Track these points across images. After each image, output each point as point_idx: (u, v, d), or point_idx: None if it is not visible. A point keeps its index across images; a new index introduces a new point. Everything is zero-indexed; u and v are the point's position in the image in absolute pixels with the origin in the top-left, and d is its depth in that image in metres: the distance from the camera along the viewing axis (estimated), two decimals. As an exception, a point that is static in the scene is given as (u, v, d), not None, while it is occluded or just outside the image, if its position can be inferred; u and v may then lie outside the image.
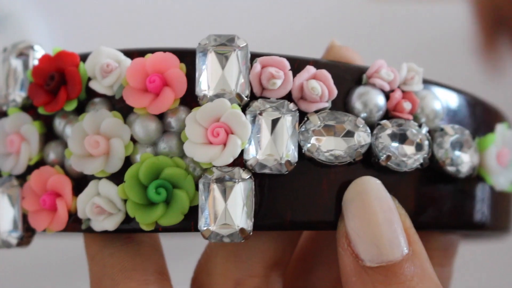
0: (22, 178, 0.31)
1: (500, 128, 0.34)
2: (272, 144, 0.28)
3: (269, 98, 0.28)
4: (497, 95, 0.35)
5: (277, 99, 0.28)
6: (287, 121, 0.28)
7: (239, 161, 0.28)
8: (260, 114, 0.28)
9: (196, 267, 0.31)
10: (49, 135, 0.30)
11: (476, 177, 0.33)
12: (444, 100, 0.32)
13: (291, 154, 0.28)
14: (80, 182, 0.29)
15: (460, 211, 0.32)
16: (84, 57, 0.30)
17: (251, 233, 0.27)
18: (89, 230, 0.29)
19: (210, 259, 0.30)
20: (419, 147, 0.29)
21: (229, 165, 0.28)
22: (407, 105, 0.30)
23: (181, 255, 0.38)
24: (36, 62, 0.31)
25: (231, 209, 0.27)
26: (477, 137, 0.33)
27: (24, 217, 0.30)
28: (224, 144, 0.28)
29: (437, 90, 0.32)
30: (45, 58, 0.30)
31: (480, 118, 0.34)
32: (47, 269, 0.52)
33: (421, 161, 0.30)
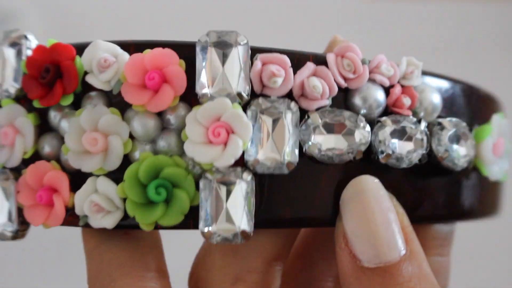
0: (16, 171, 0.30)
1: (496, 118, 0.33)
2: (273, 144, 0.27)
3: (269, 96, 0.28)
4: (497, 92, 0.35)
5: (277, 97, 0.28)
6: (288, 121, 0.27)
7: (239, 161, 0.27)
8: (262, 113, 0.27)
9: (194, 262, 0.31)
10: (44, 127, 0.30)
11: (471, 167, 0.33)
12: (441, 90, 0.31)
13: (292, 154, 0.27)
14: (76, 177, 0.29)
15: (454, 202, 0.32)
16: (79, 48, 0.29)
17: (252, 234, 0.27)
18: (86, 226, 0.29)
19: (209, 254, 0.30)
20: (417, 143, 0.29)
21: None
22: (406, 101, 0.30)
23: (179, 249, 0.38)
24: (29, 53, 0.30)
25: (232, 210, 0.27)
26: (474, 128, 0.33)
27: (19, 210, 0.30)
28: (225, 144, 0.27)
29: (432, 80, 0.31)
30: (40, 49, 0.29)
31: (476, 107, 0.33)
32: (45, 262, 0.51)
33: (420, 157, 0.30)
